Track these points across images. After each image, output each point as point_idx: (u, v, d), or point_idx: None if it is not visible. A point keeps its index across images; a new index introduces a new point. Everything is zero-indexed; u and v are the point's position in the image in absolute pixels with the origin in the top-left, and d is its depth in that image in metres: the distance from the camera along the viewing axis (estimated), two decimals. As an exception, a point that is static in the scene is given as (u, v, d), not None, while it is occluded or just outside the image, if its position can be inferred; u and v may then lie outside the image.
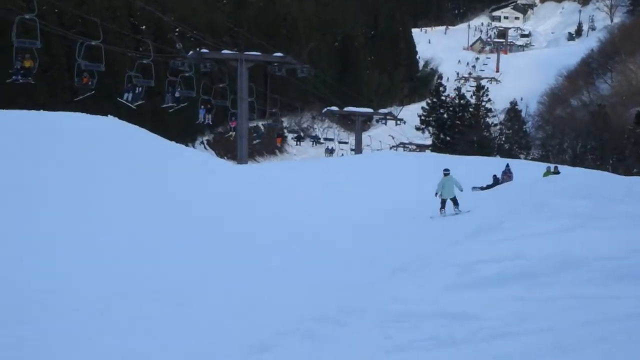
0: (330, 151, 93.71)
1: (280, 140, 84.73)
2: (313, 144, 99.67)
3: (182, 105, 51.94)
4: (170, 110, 54.79)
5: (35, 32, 35.12)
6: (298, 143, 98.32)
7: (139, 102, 47.26)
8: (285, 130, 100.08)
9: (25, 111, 35.92)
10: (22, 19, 36.47)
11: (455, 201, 27.01)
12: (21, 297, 11.82)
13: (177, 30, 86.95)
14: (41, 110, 37.27)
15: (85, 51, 40.65)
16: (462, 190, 27.56)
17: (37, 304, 11.51)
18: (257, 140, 73.00)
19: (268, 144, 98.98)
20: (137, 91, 46.90)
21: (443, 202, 27.12)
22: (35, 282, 12.91)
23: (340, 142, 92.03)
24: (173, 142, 42.03)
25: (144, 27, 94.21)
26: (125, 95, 46.78)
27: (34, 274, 13.54)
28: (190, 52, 54.43)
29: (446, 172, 27.69)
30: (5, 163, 25.24)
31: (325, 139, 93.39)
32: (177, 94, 51.11)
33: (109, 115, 38.01)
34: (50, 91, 75.33)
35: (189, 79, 51.29)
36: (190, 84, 51.33)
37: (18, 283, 12.73)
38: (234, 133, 63.12)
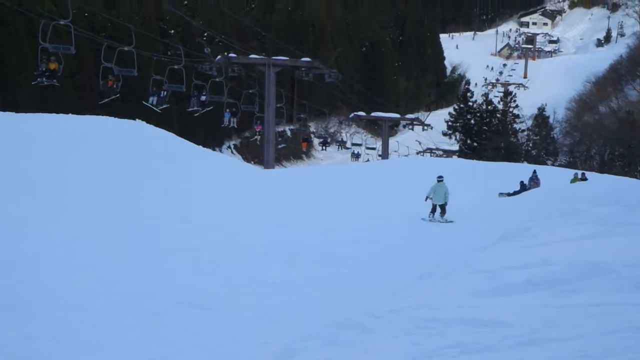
0: (356, 156, 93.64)
1: (305, 145, 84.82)
2: (339, 148, 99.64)
3: (208, 109, 51.98)
4: (196, 115, 54.90)
5: (69, 37, 35.39)
6: (324, 148, 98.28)
7: (164, 106, 47.36)
8: (313, 135, 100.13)
9: (54, 115, 36.10)
10: (55, 24, 36.76)
11: (443, 209, 27.84)
12: (56, 294, 11.88)
13: (206, 34, 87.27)
14: (70, 114, 37.41)
15: (114, 55, 40.88)
16: (447, 203, 27.95)
17: (62, 301, 11.56)
18: (283, 145, 72.97)
19: (295, 149, 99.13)
20: (162, 95, 46.99)
21: (434, 207, 27.95)
22: (66, 280, 12.97)
23: (368, 148, 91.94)
24: (200, 147, 42.07)
25: (172, 31, 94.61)
26: (151, 99, 46.89)
27: (66, 272, 13.61)
28: (218, 57, 54.51)
29: (440, 179, 28.66)
30: (33, 167, 25.37)
31: (354, 144, 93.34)
32: (202, 98, 51.15)
33: (136, 119, 38.12)
34: (79, 94, 75.87)
35: (218, 84, 51.42)
36: (220, 89, 51.46)
37: (52, 282, 12.79)
38: (260, 137, 63.19)
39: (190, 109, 52.80)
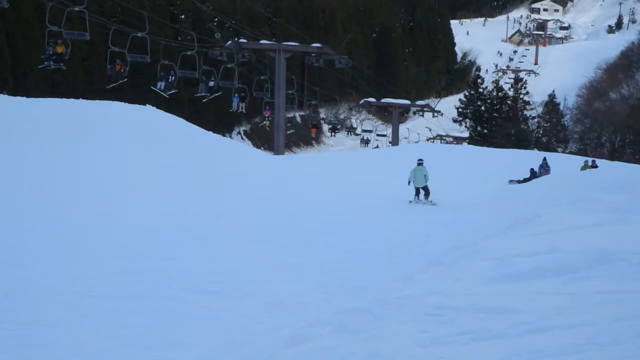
0: (365, 142, 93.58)
1: (315, 131, 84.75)
2: (348, 134, 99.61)
3: (216, 95, 52.00)
4: (204, 100, 54.97)
5: (80, 22, 35.45)
6: (333, 134, 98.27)
7: (172, 91, 47.38)
8: (323, 121, 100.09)
9: (64, 99, 36.16)
10: (70, 10, 36.77)
11: (427, 191, 28.74)
12: (66, 280, 11.91)
13: (216, 20, 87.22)
14: (80, 99, 37.48)
15: (123, 40, 40.88)
16: (426, 182, 28.78)
17: (73, 287, 11.59)
18: (292, 131, 72.90)
19: (304, 135, 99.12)
20: (170, 80, 47.04)
21: (417, 190, 28.75)
22: (77, 266, 13.01)
23: (378, 135, 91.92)
24: (210, 133, 42.09)
25: (183, 16, 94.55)
26: (159, 84, 46.90)
27: (77, 258, 13.65)
28: (229, 42, 54.50)
29: (420, 162, 29.43)
30: (45, 152, 25.43)
31: (364, 131, 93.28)
32: (211, 84, 51.16)
33: (146, 105, 38.16)
34: (89, 80, 75.96)
35: (228, 70, 51.41)
36: (230, 75, 51.44)
37: (63, 268, 12.83)
38: (268, 122, 63.19)
39: (198, 94, 52.84)
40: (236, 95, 54.68)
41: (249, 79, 60.09)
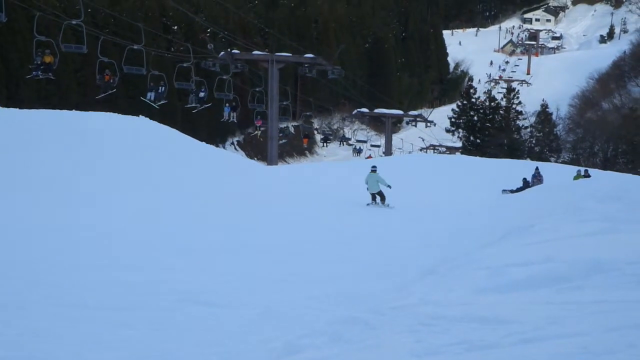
0: (358, 151, 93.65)
1: (307, 141, 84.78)
2: (340, 144, 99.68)
3: (206, 106, 51.97)
4: (194, 111, 54.92)
5: (70, 33, 35.47)
6: (325, 144, 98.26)
7: (162, 102, 47.30)
8: (316, 132, 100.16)
9: (57, 111, 36.11)
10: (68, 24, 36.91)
11: (382, 196, 30.23)
12: (58, 292, 11.90)
13: (209, 30, 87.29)
14: (73, 110, 37.45)
15: (111, 50, 40.93)
16: (390, 187, 30.26)
17: (65, 298, 11.57)
18: (284, 141, 72.94)
19: (298, 145, 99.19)
20: (160, 90, 46.99)
21: (372, 196, 30.42)
22: (68, 278, 13.00)
23: (372, 146, 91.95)
24: (204, 143, 42.09)
25: (175, 27, 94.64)
26: (149, 94, 46.83)
27: (69, 270, 13.64)
28: (222, 53, 54.54)
29: (373, 169, 30.75)
30: (37, 163, 25.42)
31: (358, 141, 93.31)
32: (201, 95, 51.12)
33: (140, 116, 38.15)
34: (82, 91, 75.93)
35: (222, 81, 51.44)
36: (221, 85, 51.44)
37: (55, 280, 12.82)
38: (260, 132, 63.16)
39: (188, 105, 52.74)
40: (227, 104, 54.63)
41: (242, 89, 60.16)
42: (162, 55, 59.21)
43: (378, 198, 30.32)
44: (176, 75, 48.19)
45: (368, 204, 30.11)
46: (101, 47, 40.23)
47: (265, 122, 57.93)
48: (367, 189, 30.51)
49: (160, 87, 46.94)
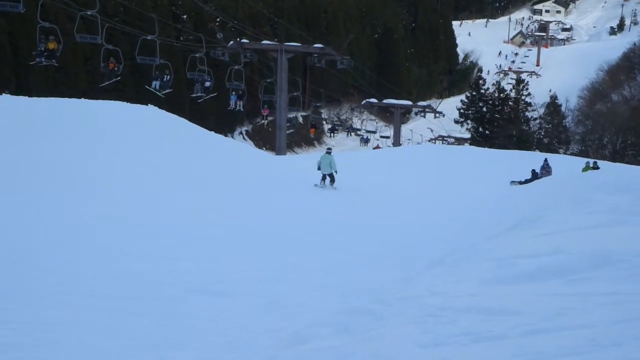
0: (365, 141, 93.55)
1: (314, 131, 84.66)
2: (348, 134, 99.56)
3: (212, 95, 51.78)
4: (199, 101, 54.77)
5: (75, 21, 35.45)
6: (332, 134, 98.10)
7: (167, 91, 47.18)
8: (325, 122, 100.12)
9: (66, 99, 36.11)
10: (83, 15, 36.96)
11: (332, 178, 31.58)
12: (67, 280, 11.89)
13: (218, 20, 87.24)
14: (82, 99, 37.44)
15: (120, 39, 40.88)
16: (336, 172, 31.76)
17: (73, 287, 11.57)
18: (291, 131, 72.84)
19: (306, 135, 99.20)
20: (165, 79, 46.87)
21: (323, 176, 31.70)
22: (77, 266, 13.01)
23: (382, 137, 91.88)
24: (212, 133, 42.02)
25: (185, 16, 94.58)
26: (154, 83, 46.70)
27: (77, 259, 13.64)
28: (231, 42, 54.46)
29: (328, 151, 32.78)
30: (46, 151, 25.43)
31: (368, 131, 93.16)
32: (207, 84, 50.91)
33: (148, 104, 38.10)
34: (91, 79, 75.96)
35: (235, 71, 51.39)
36: (232, 76, 51.39)
37: (64, 268, 12.82)
38: (266, 121, 63.04)
39: (194, 95, 52.59)
40: (234, 93, 54.36)
41: (250, 79, 60.06)
42: (171, 45, 59.18)
43: (328, 179, 31.60)
44: (188, 65, 48.20)
45: (316, 185, 31.31)
46: (109, 34, 40.18)
47: (272, 111, 57.80)
48: (319, 169, 31.78)
49: (165, 76, 46.83)
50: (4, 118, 27.61)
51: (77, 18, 38.57)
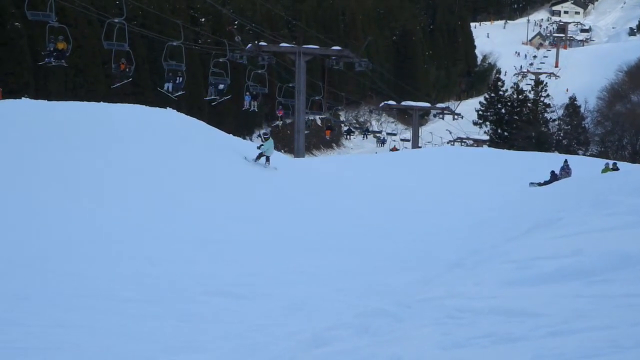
0: (382, 142, 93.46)
1: (329, 133, 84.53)
2: (364, 137, 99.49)
3: (226, 98, 51.62)
4: (213, 104, 54.67)
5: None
6: (348, 137, 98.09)
7: (180, 93, 47.03)
8: (343, 124, 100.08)
9: (85, 103, 36.19)
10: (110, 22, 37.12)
11: (268, 159, 32.73)
12: (85, 283, 11.94)
13: (236, 23, 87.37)
14: (101, 102, 37.53)
15: (135, 42, 40.93)
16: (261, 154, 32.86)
17: (92, 290, 11.62)
18: (306, 132, 72.77)
19: (325, 138, 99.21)
20: (177, 81, 46.70)
21: (260, 155, 32.60)
22: (95, 269, 13.05)
23: (402, 140, 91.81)
24: (231, 135, 42.06)
25: (203, 19, 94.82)
26: (166, 85, 46.57)
27: (95, 262, 13.69)
28: (249, 45, 54.49)
29: (266, 137, 33.88)
30: (66, 155, 25.51)
31: (388, 134, 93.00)
32: (220, 87, 50.72)
33: (167, 107, 38.16)
34: (109, 83, 76.24)
35: (259, 76, 51.56)
36: (250, 78, 51.49)
37: (82, 271, 12.87)
38: (281, 122, 62.90)
39: (207, 98, 52.48)
40: (248, 93, 54.09)
41: (268, 81, 60.08)
42: (189, 48, 59.26)
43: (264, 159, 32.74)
44: (211, 69, 48.30)
45: (246, 158, 32.67)
46: (117, 34, 40.28)
47: (287, 112, 57.74)
48: (265, 152, 32.70)
49: (177, 78, 46.67)
50: (23, 122, 27.70)
51: (105, 25, 38.72)
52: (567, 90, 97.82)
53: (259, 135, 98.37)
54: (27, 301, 10.60)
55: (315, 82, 61.11)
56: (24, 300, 10.60)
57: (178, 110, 37.89)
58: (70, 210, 18.97)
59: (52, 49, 38.27)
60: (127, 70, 42.69)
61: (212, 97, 51.22)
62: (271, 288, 12.76)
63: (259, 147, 33.01)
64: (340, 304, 11.39)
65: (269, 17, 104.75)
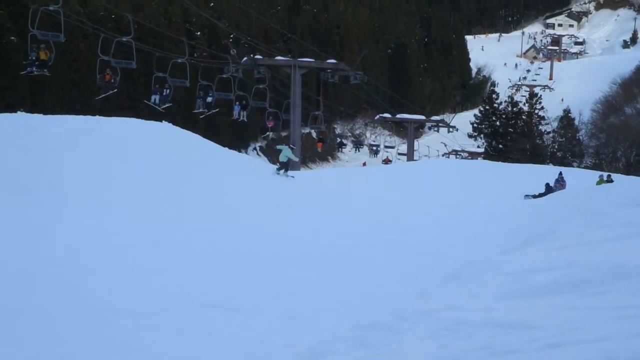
0: (375, 152, 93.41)
1: (321, 145, 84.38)
2: (356, 150, 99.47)
3: (214, 111, 51.45)
4: (202, 117, 54.49)
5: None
6: (341, 150, 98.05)
7: (167, 105, 46.70)
8: (338, 138, 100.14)
9: (81, 116, 36.20)
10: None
11: (285, 167, 35.54)
12: (82, 296, 11.95)
13: (232, 36, 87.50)
14: (97, 116, 37.53)
15: (113, 48, 40.90)
16: (284, 162, 35.57)
17: (89, 303, 11.62)
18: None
19: (321, 151, 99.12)
20: (164, 93, 46.39)
21: (282, 165, 35.50)
22: (92, 282, 13.06)
23: (400, 154, 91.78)
24: (227, 149, 42.09)
25: (198, 33, 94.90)
26: (153, 97, 46.27)
27: (93, 275, 13.69)
28: (245, 58, 54.52)
29: (287, 145, 36.57)
30: (62, 169, 25.52)
31: (387, 147, 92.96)
32: (209, 100, 50.50)
33: (163, 121, 38.17)
34: (105, 97, 76.27)
35: (260, 91, 51.76)
36: (263, 97, 51.80)
37: (79, 284, 12.88)
38: (271, 133, 62.67)
39: (195, 111, 52.29)
40: (237, 103, 53.70)
41: (264, 94, 60.08)
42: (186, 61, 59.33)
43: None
44: (216, 85, 48.37)
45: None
46: (123, 52, 40.31)
47: (278, 123, 57.63)
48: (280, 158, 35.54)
49: (165, 90, 46.38)
50: (19, 135, 27.72)
51: (113, 44, 38.67)
52: (562, 100, 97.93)
53: (255, 149, 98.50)
54: (21, 313, 10.58)
55: (311, 95, 61.09)
56: (17, 313, 10.59)
57: (173, 124, 37.94)
58: (65, 223, 18.96)
59: (34, 58, 37.84)
60: (113, 81, 42.32)
61: (201, 110, 51.13)
62: (267, 300, 12.77)
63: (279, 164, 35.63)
64: (336, 316, 11.41)
65: (265, 30, 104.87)
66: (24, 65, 39.22)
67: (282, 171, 35.21)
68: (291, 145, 36.92)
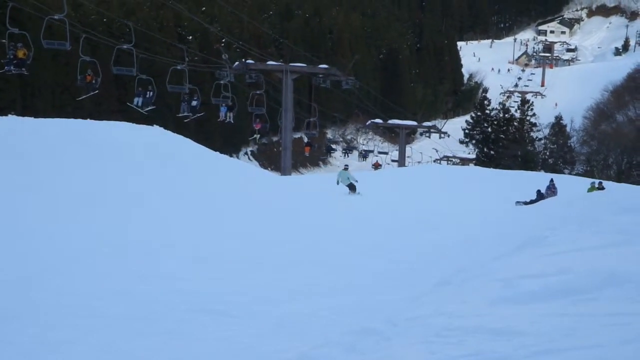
0: (364, 156, 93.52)
1: (308, 149, 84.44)
2: (345, 155, 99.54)
3: (199, 115, 51.34)
4: (186, 121, 54.35)
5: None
6: (329, 154, 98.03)
7: (150, 108, 46.49)
8: (331, 144, 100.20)
9: (72, 120, 36.15)
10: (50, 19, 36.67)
11: (353, 187, 37.99)
12: (73, 301, 11.91)
13: (224, 40, 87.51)
14: (88, 120, 37.49)
15: (123, 59, 40.88)
16: (356, 181, 38.44)
17: (79, 307, 11.58)
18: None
19: (312, 156, 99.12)
20: (147, 96, 46.16)
21: (350, 187, 37.90)
22: (83, 287, 13.02)
23: (393, 161, 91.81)
24: (218, 153, 42.08)
25: (190, 37, 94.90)
26: (136, 100, 46.04)
27: (83, 279, 13.65)
28: (236, 63, 54.50)
29: (345, 168, 40.08)
30: (52, 172, 25.47)
31: (380, 152, 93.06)
32: (194, 103, 50.32)
33: (154, 125, 38.13)
34: (96, 100, 76.22)
35: (258, 97, 51.76)
36: (260, 103, 51.81)
37: (69, 289, 12.83)
38: (258, 136, 62.61)
39: (180, 115, 52.10)
40: (224, 104, 53.49)
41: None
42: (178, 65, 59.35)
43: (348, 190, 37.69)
44: (213, 91, 48.39)
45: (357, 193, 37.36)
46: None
47: (265, 125, 57.60)
48: (338, 183, 38.17)
49: (148, 92, 46.12)
50: (10, 139, 27.67)
51: (114, 51, 38.60)
52: (556, 105, 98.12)
53: (246, 153, 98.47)
54: (14, 319, 10.56)
55: (303, 100, 61.11)
56: (10, 319, 10.56)
57: (165, 128, 37.92)
58: (57, 227, 18.91)
59: (12, 56, 37.37)
60: (94, 82, 42.05)
61: (185, 114, 51.00)
62: (258, 305, 12.73)
63: (338, 184, 38.06)
64: (327, 322, 11.38)
65: (257, 35, 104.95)
66: (1, 64, 38.70)
67: (354, 193, 37.49)
68: (345, 165, 40.21)
